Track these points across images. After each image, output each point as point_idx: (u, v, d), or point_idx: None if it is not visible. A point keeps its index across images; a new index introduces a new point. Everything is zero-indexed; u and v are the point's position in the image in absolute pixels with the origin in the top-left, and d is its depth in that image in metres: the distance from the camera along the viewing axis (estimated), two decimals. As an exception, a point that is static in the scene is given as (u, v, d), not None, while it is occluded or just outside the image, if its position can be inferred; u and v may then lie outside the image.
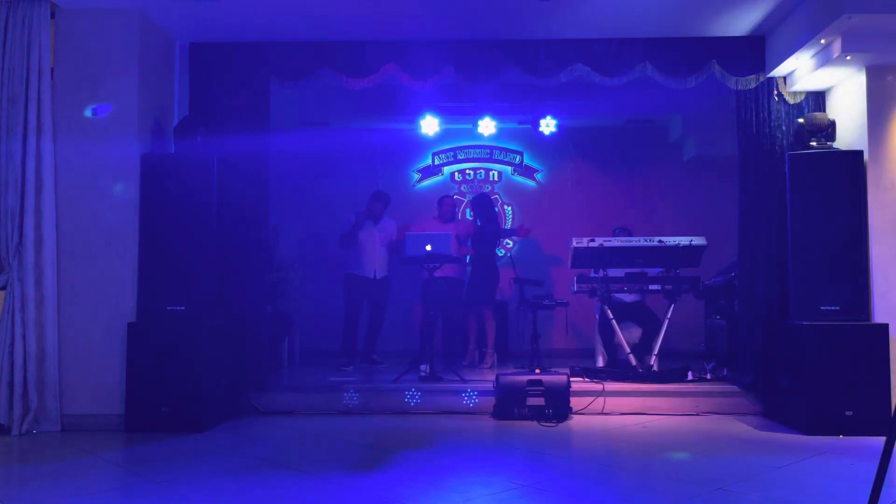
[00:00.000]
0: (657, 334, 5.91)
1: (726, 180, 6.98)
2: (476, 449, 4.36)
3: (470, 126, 7.98)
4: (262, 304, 5.59)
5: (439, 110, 7.48)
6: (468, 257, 7.04)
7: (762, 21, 5.23)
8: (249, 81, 5.52)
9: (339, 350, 6.86)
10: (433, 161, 8.74)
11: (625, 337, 5.95)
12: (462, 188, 8.69)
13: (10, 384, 4.68)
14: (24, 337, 4.72)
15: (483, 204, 7.10)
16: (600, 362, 6.55)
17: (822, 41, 4.74)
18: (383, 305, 7.07)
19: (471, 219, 7.28)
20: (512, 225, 8.49)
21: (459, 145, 8.71)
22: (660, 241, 5.75)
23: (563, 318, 6.61)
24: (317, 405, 5.38)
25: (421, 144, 8.49)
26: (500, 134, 8.28)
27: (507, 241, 8.47)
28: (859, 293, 4.88)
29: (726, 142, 6.34)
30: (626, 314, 6.30)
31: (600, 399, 5.31)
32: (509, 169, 8.74)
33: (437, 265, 6.10)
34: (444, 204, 7.23)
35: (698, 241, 5.73)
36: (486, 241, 6.92)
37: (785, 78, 5.46)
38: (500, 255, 7.57)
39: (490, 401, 5.30)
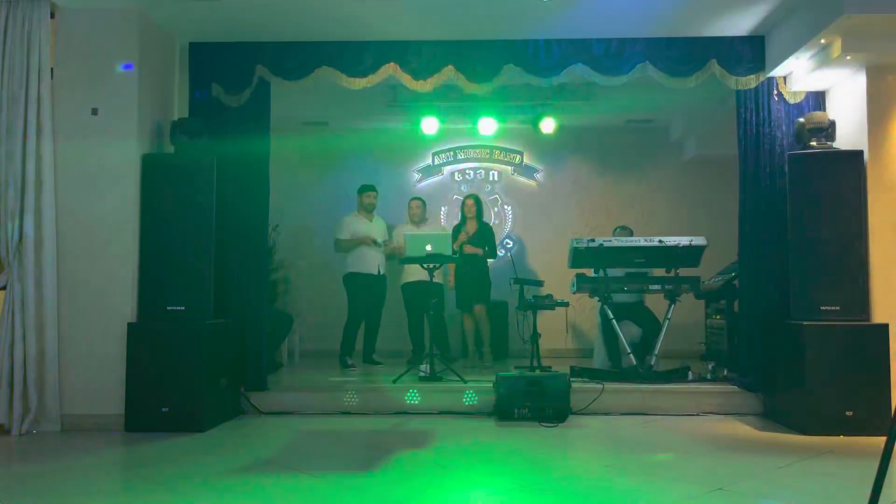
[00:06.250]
0: (657, 334, 5.91)
1: (726, 180, 6.99)
2: (476, 449, 4.36)
3: (470, 126, 7.98)
4: (262, 304, 5.59)
5: (439, 110, 7.47)
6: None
7: (762, 21, 5.23)
8: (249, 81, 5.52)
9: (344, 350, 6.83)
10: (433, 161, 8.73)
11: (625, 337, 5.94)
12: (462, 188, 8.69)
13: (10, 384, 4.67)
14: (24, 337, 4.71)
15: (471, 206, 7.11)
16: (600, 362, 6.55)
17: (822, 41, 4.74)
18: (382, 303, 7.08)
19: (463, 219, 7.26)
20: (508, 229, 8.56)
21: (459, 145, 8.70)
22: (660, 241, 5.75)
23: (563, 318, 6.61)
24: (317, 405, 5.38)
25: (421, 144, 8.49)
26: (500, 134, 8.28)
27: (507, 240, 8.48)
28: (859, 293, 4.87)
29: (726, 142, 6.34)
30: (626, 314, 6.29)
31: (600, 399, 5.31)
32: (509, 169, 8.74)
33: (438, 265, 6.09)
34: (413, 206, 7.25)
35: (698, 241, 5.72)
36: (472, 242, 6.90)
37: (785, 78, 5.46)
38: (500, 255, 7.56)
39: (490, 401, 5.31)
